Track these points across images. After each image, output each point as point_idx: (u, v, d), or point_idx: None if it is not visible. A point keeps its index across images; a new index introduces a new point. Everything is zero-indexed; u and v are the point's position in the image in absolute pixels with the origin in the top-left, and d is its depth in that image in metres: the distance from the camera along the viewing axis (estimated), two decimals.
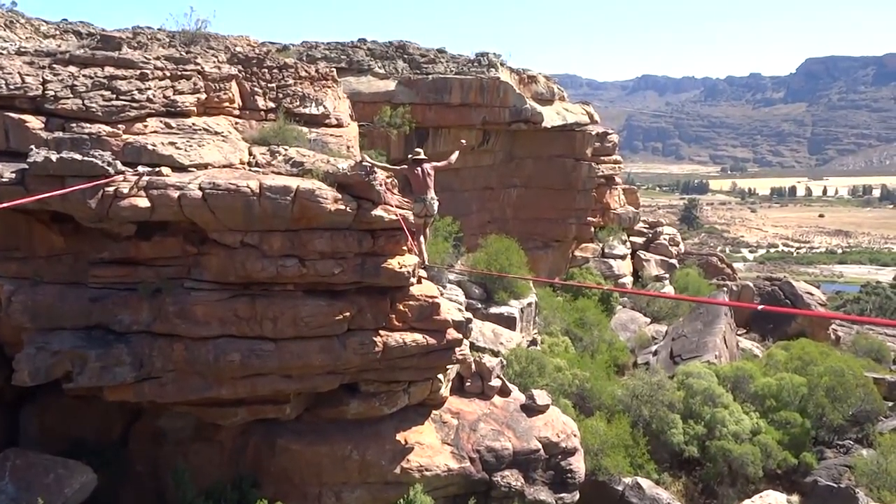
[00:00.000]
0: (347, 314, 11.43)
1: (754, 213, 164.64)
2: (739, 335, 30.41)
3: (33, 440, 11.88)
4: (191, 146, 11.57)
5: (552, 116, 30.84)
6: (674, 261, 37.68)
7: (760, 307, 4.88)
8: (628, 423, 16.99)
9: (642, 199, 49.26)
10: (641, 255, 37.17)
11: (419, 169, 12.21)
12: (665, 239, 38.72)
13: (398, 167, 12.56)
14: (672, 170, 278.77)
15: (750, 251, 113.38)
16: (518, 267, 21.63)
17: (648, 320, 30.35)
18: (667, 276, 35.87)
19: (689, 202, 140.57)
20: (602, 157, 35.19)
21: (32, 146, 10.48)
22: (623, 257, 35.44)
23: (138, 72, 12.01)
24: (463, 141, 13.17)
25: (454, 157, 13.02)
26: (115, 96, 11.57)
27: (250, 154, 12.54)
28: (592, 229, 34.92)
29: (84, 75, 11.62)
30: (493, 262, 20.70)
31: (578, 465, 14.00)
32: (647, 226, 40.88)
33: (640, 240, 38.63)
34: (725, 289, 35.34)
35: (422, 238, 12.48)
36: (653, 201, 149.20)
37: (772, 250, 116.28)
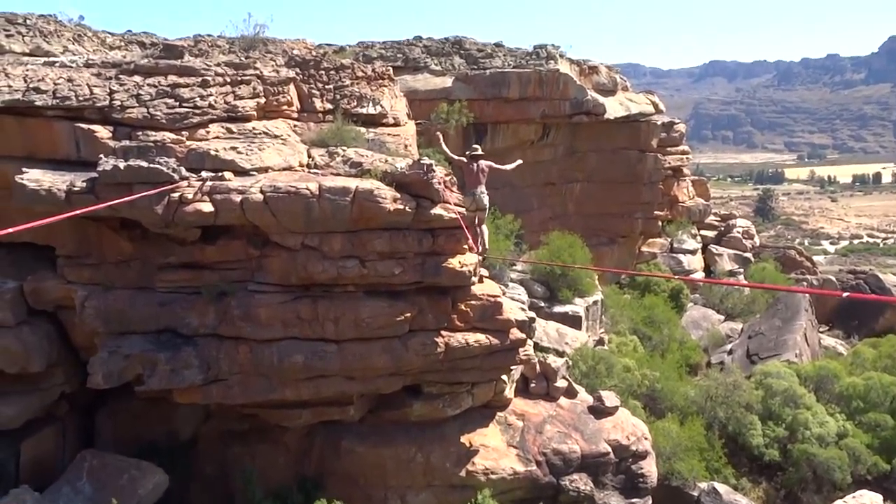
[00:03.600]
0: (408, 315, 11.49)
1: (835, 203, 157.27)
2: (822, 332, 29.13)
3: (108, 442, 12.44)
4: (251, 150, 11.87)
5: (615, 107, 30.28)
6: (748, 255, 36.54)
7: (846, 294, 4.65)
8: (702, 426, 16.50)
9: (713, 190, 47.88)
10: (713, 249, 36.18)
11: (475, 165, 12.29)
12: (738, 232, 37.61)
13: (456, 157, 12.68)
14: (744, 159, 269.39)
15: (831, 243, 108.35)
16: (582, 263, 21.33)
17: (722, 318, 29.47)
18: (741, 270, 34.77)
19: (764, 193, 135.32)
20: (669, 148, 34.41)
21: (101, 155, 10.97)
22: (693, 252, 34.56)
23: (200, 79, 12.40)
24: (519, 161, 13.28)
25: (512, 166, 13.20)
26: (178, 104, 11.99)
27: (309, 156, 12.77)
28: (660, 224, 34.15)
29: (148, 84, 12.10)
30: (556, 259, 20.49)
31: (650, 468, 13.66)
32: (718, 219, 39.75)
33: (711, 233, 37.65)
34: (805, 283, 33.95)
35: (480, 229, 12.55)
36: (724, 193, 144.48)
37: (855, 242, 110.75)
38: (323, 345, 11.25)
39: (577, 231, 24.65)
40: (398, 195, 11.12)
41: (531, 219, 27.92)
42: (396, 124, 15.54)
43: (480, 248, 12.44)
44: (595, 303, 21.39)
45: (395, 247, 11.25)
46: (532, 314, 14.95)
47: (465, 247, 12.01)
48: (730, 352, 24.05)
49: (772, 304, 27.10)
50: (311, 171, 12.22)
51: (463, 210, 11.78)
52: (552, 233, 22.93)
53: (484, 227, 13.00)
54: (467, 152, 12.66)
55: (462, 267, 11.69)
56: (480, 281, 12.67)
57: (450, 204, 11.50)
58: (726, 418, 17.47)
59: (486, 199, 12.36)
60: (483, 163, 12.42)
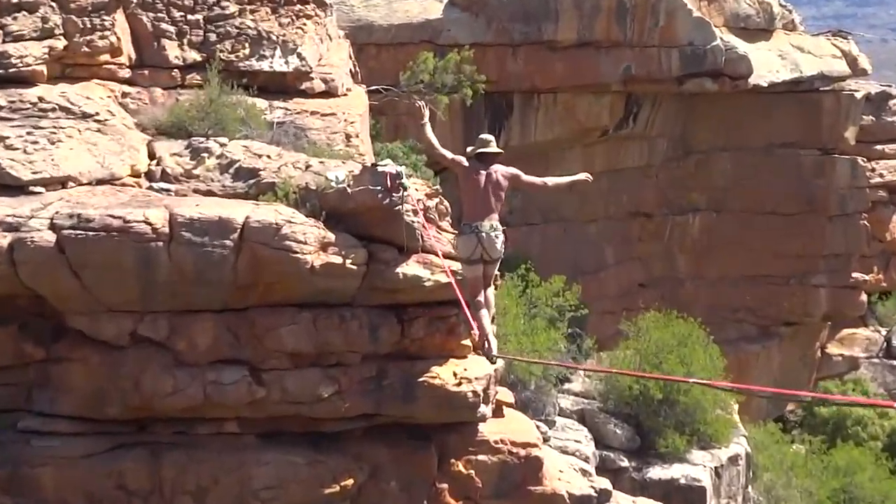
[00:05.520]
0: (349, 482, 11.46)
1: None
2: None
3: None
4: (35, 143, 11.94)
5: (770, 63, 30.49)
6: None
7: None
8: None
9: None
10: None
11: (482, 173, 12.07)
12: None
13: (449, 155, 12.39)
14: None
15: None
16: (707, 377, 21.24)
17: None
18: None
19: None
20: (880, 146, 34.64)
21: None
22: None
23: None
24: (586, 176, 12.88)
25: (565, 180, 12.92)
26: None
27: (152, 156, 12.88)
28: (864, 298, 34.29)
29: None
30: (653, 369, 20.43)
31: None
32: None
33: None
34: None
35: (484, 312, 12.23)
36: None
37: None
38: None
39: (697, 311, 24.55)
40: (331, 236, 11.21)
41: (602, 285, 27.97)
42: (330, 93, 15.69)
43: (481, 341, 12.20)
44: (734, 459, 21.23)
45: (325, 342, 11.28)
46: (604, 483, 14.84)
47: (467, 342, 12.03)
48: None
49: None
50: (156, 185, 12.29)
51: (458, 265, 11.77)
52: (645, 314, 22.85)
53: (490, 293, 12.75)
54: (470, 148, 12.53)
55: (459, 384, 11.69)
56: (498, 412, 12.69)
57: (436, 254, 11.57)
58: None
59: (500, 242, 12.13)
60: (501, 170, 12.19)
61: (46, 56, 13.17)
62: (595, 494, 13.13)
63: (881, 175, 34.44)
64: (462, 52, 23.65)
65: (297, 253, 10.90)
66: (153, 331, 11.11)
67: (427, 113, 12.51)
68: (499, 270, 12.56)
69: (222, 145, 12.82)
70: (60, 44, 13.36)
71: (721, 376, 22.18)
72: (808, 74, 31.50)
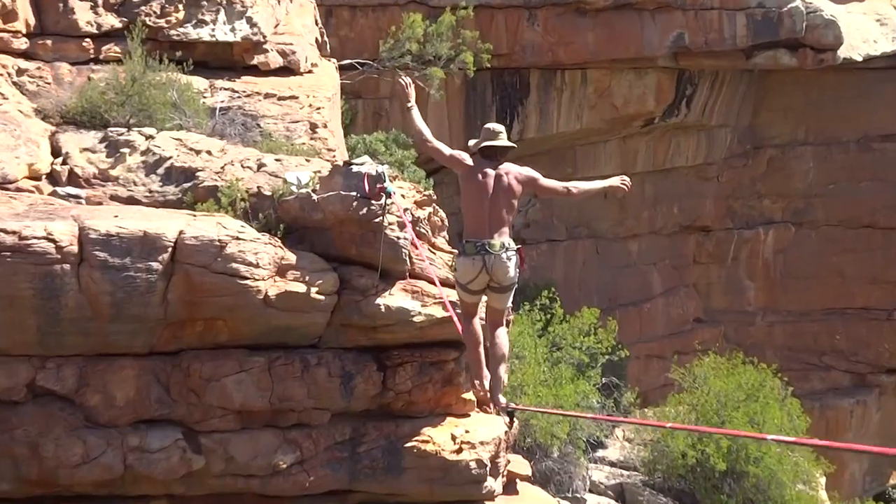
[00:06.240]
0: None
1: None
2: None
3: None
4: None
5: (865, 31, 30.54)
6: None
7: None
8: None
9: None
10: None
11: (491, 175, 12.02)
12: None
13: (448, 151, 12.27)
14: None
15: None
16: (783, 436, 21.22)
17: None
18: None
19: None
20: None
21: None
22: None
23: None
24: (623, 180, 12.68)
25: (594, 187, 12.80)
26: None
27: (57, 152, 12.87)
28: None
29: None
30: (713, 423, 20.35)
31: None
32: None
33: None
34: None
35: (495, 340, 12.16)
36: None
37: None
38: None
39: (771, 355, 24.60)
40: (291, 257, 11.22)
41: (648, 320, 28.07)
42: (290, 70, 15.74)
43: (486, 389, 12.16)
44: None
45: (284, 396, 11.25)
46: None
47: (468, 396, 12.00)
48: None
49: None
50: (62, 190, 12.26)
51: (452, 295, 11.76)
52: (703, 359, 22.86)
53: (503, 333, 12.69)
54: (471, 143, 12.48)
55: (459, 451, 11.68)
56: (510, 488, 12.70)
57: (433, 282, 11.55)
58: None
59: (513, 265, 12.07)
60: (513, 171, 12.13)
61: None
62: None
63: None
64: (458, 10, 23.51)
65: (246, 279, 10.86)
66: (57, 382, 11.00)
67: (412, 93, 12.24)
68: (512, 302, 12.46)
69: (148, 138, 12.82)
70: None
71: (804, 433, 22.16)
72: None
